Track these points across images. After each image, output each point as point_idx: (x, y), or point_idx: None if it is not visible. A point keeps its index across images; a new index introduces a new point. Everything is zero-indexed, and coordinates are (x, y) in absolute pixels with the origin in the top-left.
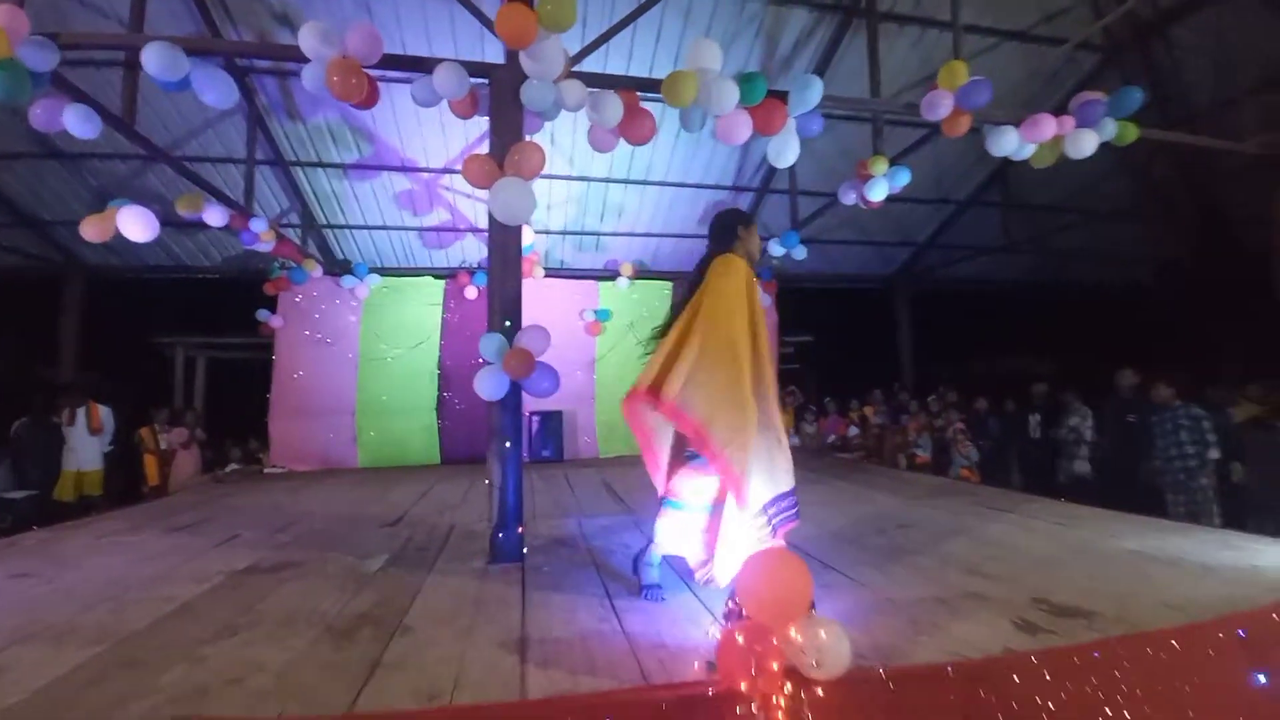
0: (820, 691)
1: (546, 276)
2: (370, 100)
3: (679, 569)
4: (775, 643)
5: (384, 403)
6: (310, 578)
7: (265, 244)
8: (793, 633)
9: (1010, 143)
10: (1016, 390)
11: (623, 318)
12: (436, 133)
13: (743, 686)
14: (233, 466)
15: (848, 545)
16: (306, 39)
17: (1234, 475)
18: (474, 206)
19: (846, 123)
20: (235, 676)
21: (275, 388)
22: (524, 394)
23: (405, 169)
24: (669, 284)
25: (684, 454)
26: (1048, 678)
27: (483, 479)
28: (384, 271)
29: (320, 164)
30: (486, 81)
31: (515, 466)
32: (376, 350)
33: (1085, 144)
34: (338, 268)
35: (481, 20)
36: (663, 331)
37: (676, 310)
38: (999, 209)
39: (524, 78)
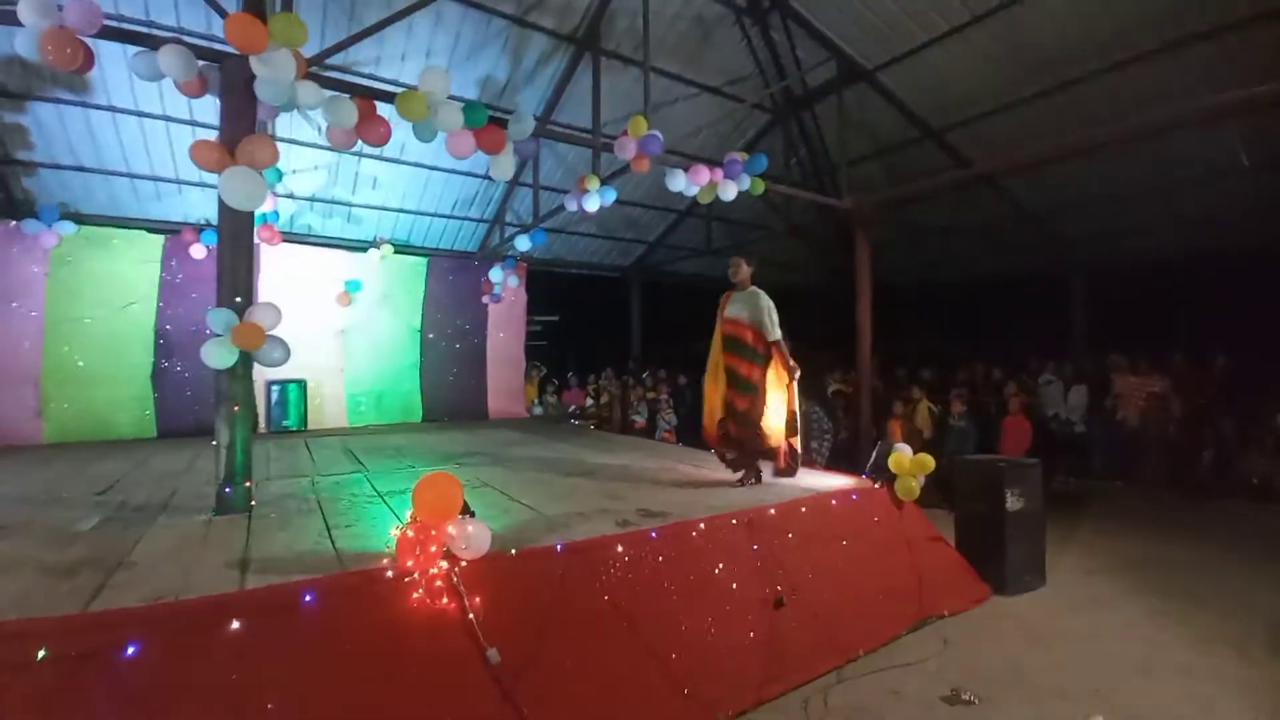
0: (464, 565)
1: (289, 242)
2: (86, 66)
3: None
4: (435, 535)
5: (80, 370)
6: (12, 539)
7: None
8: (448, 528)
9: (680, 183)
10: None
11: (375, 290)
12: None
13: (410, 565)
14: None
15: (536, 485)
16: (25, 12)
17: None
18: None
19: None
20: None
21: None
22: (258, 364)
23: (115, 109)
24: (424, 259)
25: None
26: (620, 549)
27: (210, 448)
28: (83, 220)
29: (5, 93)
30: (217, 65)
31: (244, 426)
32: (71, 310)
33: (729, 191)
34: (17, 210)
35: (213, 6)
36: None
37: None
38: (707, 221)
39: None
